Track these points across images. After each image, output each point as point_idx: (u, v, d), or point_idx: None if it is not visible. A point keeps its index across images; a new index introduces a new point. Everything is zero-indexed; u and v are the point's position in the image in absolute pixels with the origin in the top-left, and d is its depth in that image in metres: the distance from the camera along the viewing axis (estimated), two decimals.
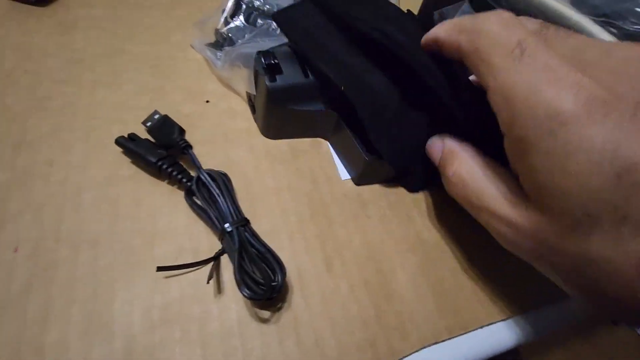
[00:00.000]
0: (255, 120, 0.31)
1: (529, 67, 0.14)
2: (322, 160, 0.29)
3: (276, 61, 0.27)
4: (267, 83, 0.26)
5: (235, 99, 0.32)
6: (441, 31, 0.19)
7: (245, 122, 0.30)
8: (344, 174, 0.28)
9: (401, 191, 0.28)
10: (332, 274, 0.23)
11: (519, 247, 0.17)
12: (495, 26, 0.16)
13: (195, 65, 0.34)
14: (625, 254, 0.12)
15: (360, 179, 0.28)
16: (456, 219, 0.27)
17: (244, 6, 0.34)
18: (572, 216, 0.13)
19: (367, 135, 0.25)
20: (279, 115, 0.28)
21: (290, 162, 0.28)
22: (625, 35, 0.24)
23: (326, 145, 0.30)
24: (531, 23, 0.18)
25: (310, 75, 0.27)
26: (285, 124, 0.29)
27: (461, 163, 0.20)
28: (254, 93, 0.29)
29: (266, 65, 0.27)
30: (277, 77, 0.26)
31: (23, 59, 0.31)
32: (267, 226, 0.24)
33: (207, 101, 0.31)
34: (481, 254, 0.26)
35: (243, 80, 0.31)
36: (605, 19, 0.25)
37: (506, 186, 0.17)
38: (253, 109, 0.31)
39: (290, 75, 0.27)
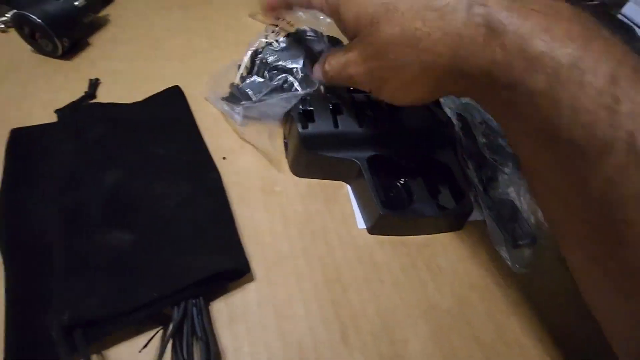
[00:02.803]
0: (287, 157, 0.33)
1: None
2: (340, 204, 0.30)
3: (310, 108, 0.29)
4: (300, 130, 0.28)
5: (252, 156, 0.33)
6: None
7: (259, 180, 0.31)
8: (360, 222, 0.29)
9: (414, 252, 0.29)
10: (348, 345, 0.24)
11: (363, 73, 0.24)
12: None
13: (211, 119, 0.35)
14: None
15: (374, 230, 0.29)
16: (468, 283, 0.28)
17: (258, 62, 0.36)
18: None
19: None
20: (307, 158, 0.30)
21: (305, 224, 0.29)
22: None
23: (347, 190, 0.31)
24: None
25: (339, 125, 0.29)
26: (312, 166, 0.31)
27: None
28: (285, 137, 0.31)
29: (302, 111, 0.29)
30: (310, 124, 0.29)
31: (52, 116, 0.32)
32: (283, 295, 0.25)
33: (224, 158, 0.32)
34: (491, 320, 0.26)
35: (262, 135, 0.32)
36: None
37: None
38: (286, 147, 0.33)
39: (322, 124, 0.29)
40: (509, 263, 0.28)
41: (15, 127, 0.30)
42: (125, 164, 0.26)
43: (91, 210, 0.23)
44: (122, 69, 0.38)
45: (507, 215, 0.30)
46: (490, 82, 0.19)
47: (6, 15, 0.38)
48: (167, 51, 0.41)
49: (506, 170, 0.31)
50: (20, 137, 0.28)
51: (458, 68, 0.20)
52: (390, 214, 0.26)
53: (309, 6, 0.26)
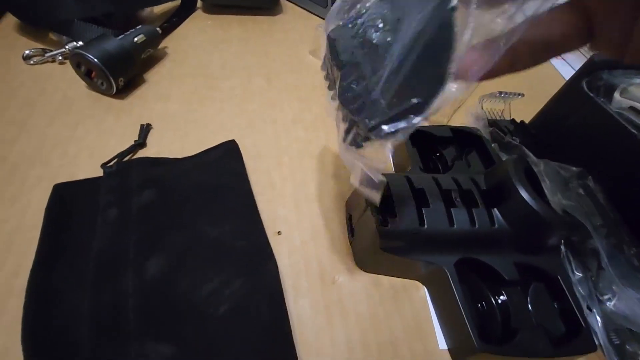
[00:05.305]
0: (351, 243, 0.27)
1: None
2: (415, 311, 0.25)
3: (389, 194, 0.23)
4: (377, 227, 0.23)
5: (310, 231, 0.28)
6: None
7: (318, 265, 0.27)
8: (441, 340, 0.24)
9: None
10: None
11: None
12: None
13: (266, 180, 0.31)
14: None
15: (460, 357, 0.23)
16: None
17: None
18: None
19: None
20: (381, 257, 0.24)
21: (371, 332, 0.24)
22: None
23: (424, 293, 0.26)
24: None
25: (426, 222, 0.23)
26: (385, 265, 0.26)
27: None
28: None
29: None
30: (389, 220, 0.23)
31: (96, 166, 0.29)
32: None
33: (279, 233, 0.28)
34: None
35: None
36: None
37: None
38: (351, 232, 0.28)
39: (405, 219, 0.23)
40: None
41: (59, 174, 0.28)
42: (171, 248, 0.23)
43: (128, 313, 0.20)
44: (176, 111, 0.35)
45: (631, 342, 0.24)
46: None
47: (65, 47, 0.37)
48: (223, 91, 0.38)
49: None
50: (62, 196, 0.26)
51: None
52: (489, 351, 0.21)
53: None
